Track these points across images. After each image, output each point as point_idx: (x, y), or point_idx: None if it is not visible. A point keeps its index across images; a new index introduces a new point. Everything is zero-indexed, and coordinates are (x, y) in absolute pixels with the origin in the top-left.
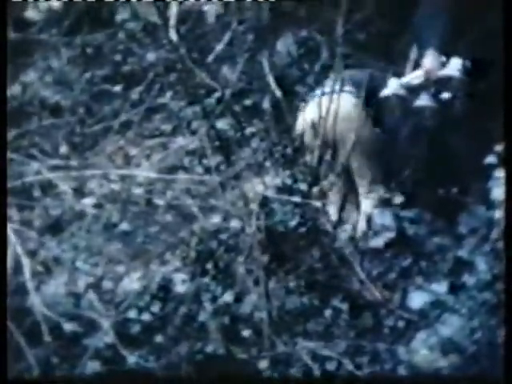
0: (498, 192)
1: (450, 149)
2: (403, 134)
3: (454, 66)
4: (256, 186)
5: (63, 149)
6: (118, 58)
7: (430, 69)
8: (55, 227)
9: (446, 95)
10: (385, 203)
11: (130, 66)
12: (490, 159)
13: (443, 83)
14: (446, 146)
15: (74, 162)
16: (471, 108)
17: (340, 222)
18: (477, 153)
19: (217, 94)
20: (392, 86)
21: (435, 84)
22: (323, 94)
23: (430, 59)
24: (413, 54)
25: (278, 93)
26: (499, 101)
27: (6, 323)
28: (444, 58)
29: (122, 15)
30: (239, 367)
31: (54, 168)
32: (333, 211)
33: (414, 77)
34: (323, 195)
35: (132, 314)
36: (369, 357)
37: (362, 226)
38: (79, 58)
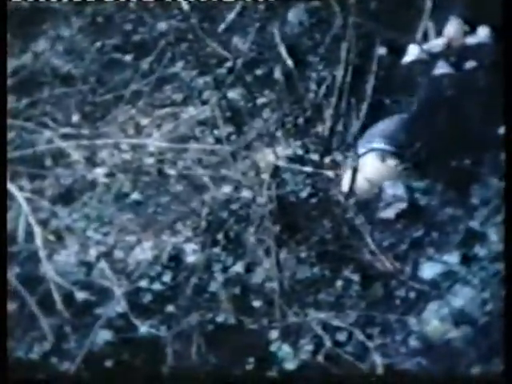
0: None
1: (465, 119)
2: (422, 102)
3: (483, 34)
4: (267, 156)
5: (75, 117)
6: (128, 27)
7: (453, 37)
8: (67, 196)
9: (471, 64)
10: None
11: (140, 35)
12: (504, 130)
13: (470, 51)
14: (460, 116)
15: (85, 131)
16: (495, 78)
17: (351, 193)
18: (491, 123)
19: (228, 64)
20: (413, 53)
21: (459, 52)
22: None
23: (453, 27)
24: (432, 21)
25: (290, 63)
26: None
27: (5, 311)
28: (467, 27)
29: None
30: (250, 337)
31: (66, 137)
32: (344, 182)
33: (435, 44)
34: (335, 165)
35: (143, 283)
36: (380, 327)
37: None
38: (90, 27)
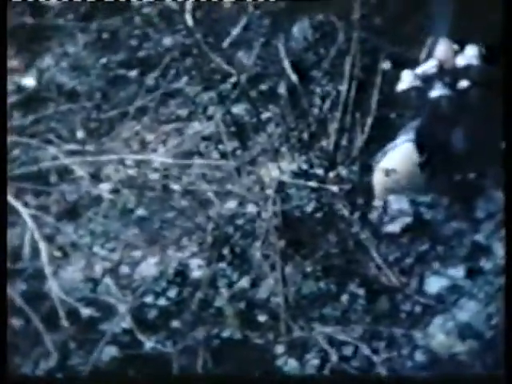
0: None
1: (468, 134)
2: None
3: (471, 53)
4: (272, 171)
5: (80, 134)
6: (133, 42)
7: (443, 58)
8: (72, 212)
9: (463, 84)
10: None
11: (145, 51)
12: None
13: (461, 72)
14: (462, 130)
15: (90, 148)
16: (489, 95)
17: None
18: (494, 137)
19: (233, 79)
20: (407, 79)
21: (451, 73)
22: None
23: (442, 48)
24: (429, 41)
25: (294, 77)
26: None
27: (6, 321)
28: (457, 46)
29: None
30: (256, 352)
31: (71, 153)
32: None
33: (428, 67)
34: (340, 180)
35: (149, 299)
36: (385, 342)
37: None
38: (95, 43)
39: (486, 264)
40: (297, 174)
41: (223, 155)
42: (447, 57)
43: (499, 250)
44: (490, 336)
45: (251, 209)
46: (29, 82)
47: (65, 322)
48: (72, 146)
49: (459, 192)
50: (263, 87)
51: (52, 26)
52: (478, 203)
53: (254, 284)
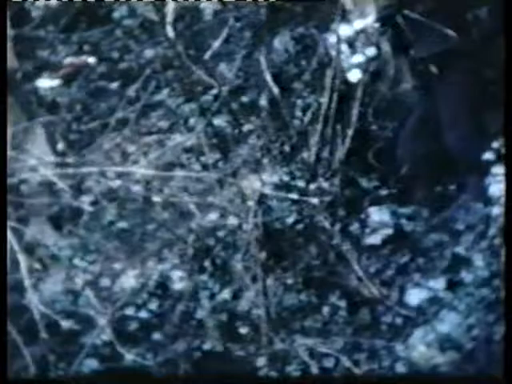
0: (495, 188)
1: (448, 145)
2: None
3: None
4: (253, 183)
5: (60, 146)
6: (115, 54)
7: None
8: (52, 225)
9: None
10: None
11: (127, 62)
12: (488, 156)
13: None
14: (443, 142)
15: (70, 160)
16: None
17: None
18: (474, 149)
19: (214, 91)
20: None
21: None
22: None
23: None
24: None
25: (276, 90)
26: (496, 96)
27: (5, 324)
28: None
29: (119, 12)
30: (237, 364)
31: (51, 165)
32: None
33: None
34: (321, 192)
35: (129, 311)
36: (366, 354)
37: None
38: (76, 54)
39: (466, 276)
40: (278, 186)
41: (204, 167)
42: None
43: (479, 261)
44: (470, 347)
45: (232, 221)
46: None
47: (44, 335)
48: (52, 158)
49: (439, 204)
50: (244, 99)
51: (32, 38)
52: (458, 215)
53: (236, 296)
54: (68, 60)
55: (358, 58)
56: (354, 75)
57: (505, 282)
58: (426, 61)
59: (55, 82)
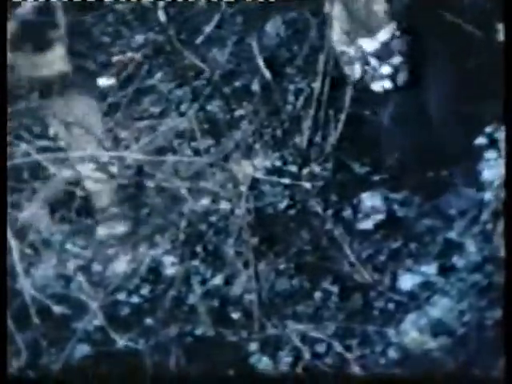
0: (488, 173)
1: (440, 130)
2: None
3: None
4: (245, 168)
5: (52, 130)
6: (106, 39)
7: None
8: (44, 210)
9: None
10: None
11: (118, 47)
12: (481, 140)
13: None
14: (435, 127)
15: (62, 144)
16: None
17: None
18: (466, 134)
19: (206, 76)
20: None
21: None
22: None
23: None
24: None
25: (268, 75)
26: (489, 82)
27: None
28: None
29: None
30: (229, 350)
31: (43, 149)
32: None
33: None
34: (313, 177)
35: (121, 296)
36: (358, 339)
37: None
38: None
39: (458, 261)
40: (270, 171)
41: (196, 152)
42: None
43: (472, 246)
44: (461, 333)
45: (224, 206)
46: None
47: (36, 320)
48: (44, 143)
49: (431, 189)
50: (237, 84)
51: (23, 22)
52: (451, 200)
53: (228, 281)
54: (116, 58)
55: (386, 69)
56: (380, 85)
57: (505, 282)
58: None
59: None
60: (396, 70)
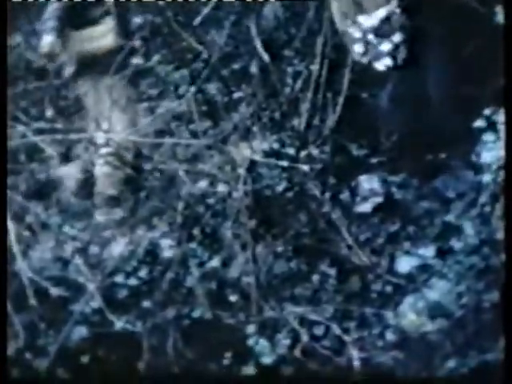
0: (486, 156)
1: (438, 113)
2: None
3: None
4: (243, 151)
5: (49, 112)
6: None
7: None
8: (41, 192)
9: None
10: None
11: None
12: (479, 123)
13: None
14: (432, 109)
15: (59, 126)
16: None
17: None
18: (465, 117)
19: (204, 58)
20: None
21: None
22: None
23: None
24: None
25: (266, 57)
26: (487, 64)
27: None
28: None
29: None
30: (227, 332)
31: (40, 131)
32: None
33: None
34: (311, 159)
35: (119, 278)
36: (356, 321)
37: None
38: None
39: (456, 244)
40: (268, 154)
41: (194, 134)
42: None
43: (469, 229)
44: (459, 315)
45: (222, 188)
46: None
47: (33, 302)
48: (41, 125)
49: (429, 172)
50: (235, 66)
51: (20, 4)
52: (449, 183)
53: (225, 264)
54: None
55: (387, 46)
56: (383, 63)
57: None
58: None
59: None
60: (396, 47)
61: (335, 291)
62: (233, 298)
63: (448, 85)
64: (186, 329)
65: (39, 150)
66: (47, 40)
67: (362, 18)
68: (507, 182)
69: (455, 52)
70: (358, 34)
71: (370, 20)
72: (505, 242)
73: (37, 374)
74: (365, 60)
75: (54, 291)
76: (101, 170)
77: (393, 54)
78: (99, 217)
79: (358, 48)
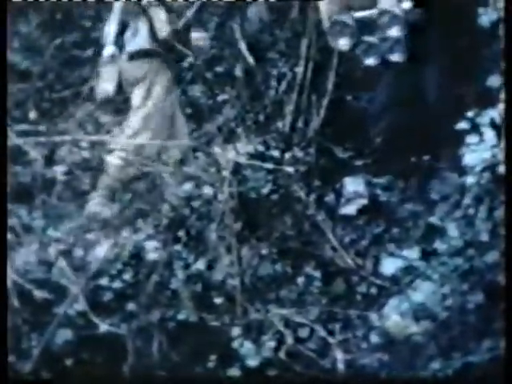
0: (469, 158)
1: (422, 116)
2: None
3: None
4: (228, 153)
5: (32, 114)
6: (87, 23)
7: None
8: (25, 195)
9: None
10: None
11: (99, 31)
12: (462, 125)
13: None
14: (417, 113)
15: (43, 128)
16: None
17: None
18: (448, 119)
19: (188, 61)
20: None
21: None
22: None
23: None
24: None
25: (250, 59)
26: (469, 67)
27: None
28: None
29: None
30: (212, 334)
31: (23, 134)
32: None
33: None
34: (296, 161)
35: (104, 281)
36: (341, 323)
37: None
38: (48, 23)
39: (440, 245)
40: (253, 156)
41: None
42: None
43: (453, 231)
44: (444, 317)
45: (207, 190)
46: None
47: (17, 304)
48: (24, 127)
49: (414, 174)
50: (219, 69)
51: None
52: (433, 185)
53: (210, 266)
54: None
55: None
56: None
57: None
58: None
59: None
60: (387, 43)
61: (320, 293)
62: (218, 301)
63: (432, 87)
64: (171, 331)
65: (22, 152)
66: None
67: (356, 13)
68: (507, 181)
69: (440, 54)
70: (349, 21)
71: (363, 14)
72: (505, 242)
73: (20, 376)
74: (351, 54)
75: (38, 294)
76: (112, 162)
77: (382, 51)
78: (93, 207)
79: (345, 40)
